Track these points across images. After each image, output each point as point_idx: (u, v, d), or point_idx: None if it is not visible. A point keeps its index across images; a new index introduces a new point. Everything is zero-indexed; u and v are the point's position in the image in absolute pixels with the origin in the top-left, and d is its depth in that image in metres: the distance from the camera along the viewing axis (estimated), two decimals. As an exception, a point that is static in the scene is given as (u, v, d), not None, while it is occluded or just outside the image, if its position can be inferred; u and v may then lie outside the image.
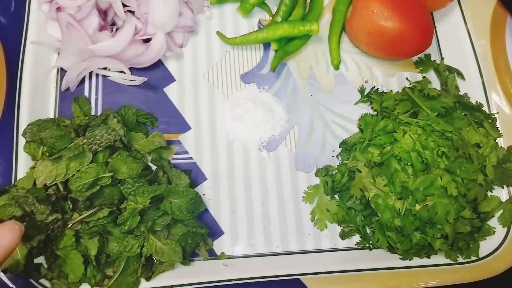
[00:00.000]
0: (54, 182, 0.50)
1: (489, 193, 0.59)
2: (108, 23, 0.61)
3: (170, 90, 0.63)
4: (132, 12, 0.62)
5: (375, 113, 0.63)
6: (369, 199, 0.55)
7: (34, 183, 0.51)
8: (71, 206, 0.51)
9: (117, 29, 0.62)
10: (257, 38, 0.64)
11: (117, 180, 0.53)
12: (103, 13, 0.60)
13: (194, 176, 0.59)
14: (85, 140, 0.53)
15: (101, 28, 0.59)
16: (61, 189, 0.51)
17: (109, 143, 0.54)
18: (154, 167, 0.58)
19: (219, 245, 0.57)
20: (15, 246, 0.35)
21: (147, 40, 0.62)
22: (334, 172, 0.60)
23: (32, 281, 0.51)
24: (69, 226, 0.50)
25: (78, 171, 0.51)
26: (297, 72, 0.66)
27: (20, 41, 0.59)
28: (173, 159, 0.60)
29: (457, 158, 0.55)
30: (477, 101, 0.63)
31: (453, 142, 0.56)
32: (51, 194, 0.51)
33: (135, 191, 0.51)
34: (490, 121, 0.61)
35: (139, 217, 0.51)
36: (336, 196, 0.59)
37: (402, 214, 0.54)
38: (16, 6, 0.60)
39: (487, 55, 0.67)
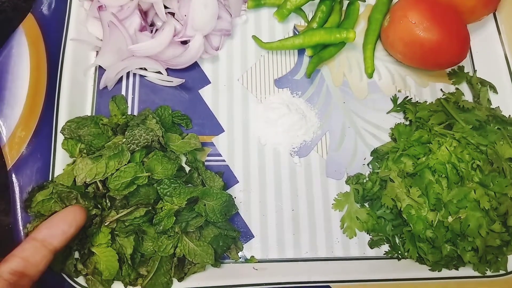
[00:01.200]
0: (94, 180, 0.51)
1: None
2: (148, 24, 0.61)
3: (205, 92, 0.64)
4: (172, 14, 0.62)
5: (408, 123, 0.63)
6: (401, 209, 0.55)
7: (74, 180, 0.52)
8: (108, 204, 0.52)
9: (156, 30, 0.62)
10: (294, 44, 0.64)
11: (153, 180, 0.54)
12: (144, 14, 0.61)
13: (226, 178, 0.60)
14: (124, 140, 0.53)
15: (142, 29, 0.60)
16: (100, 187, 0.52)
17: (146, 143, 0.54)
18: (187, 168, 0.59)
19: (249, 248, 0.57)
20: (78, 230, 0.36)
21: (184, 42, 0.62)
22: (365, 181, 0.60)
23: (65, 276, 0.52)
24: (106, 223, 0.51)
25: (117, 170, 0.51)
26: (330, 78, 0.66)
27: (61, 38, 0.60)
28: (206, 161, 0.60)
29: (490, 172, 0.55)
30: (510, 115, 0.63)
31: (487, 155, 0.56)
32: (90, 191, 0.52)
33: (172, 192, 0.52)
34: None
35: (174, 218, 0.51)
36: (366, 205, 0.60)
37: (435, 225, 0.54)
38: (58, 2, 0.61)
39: (521, 69, 0.67)
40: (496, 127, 0.60)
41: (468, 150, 0.55)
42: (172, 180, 0.53)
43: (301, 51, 0.67)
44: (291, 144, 0.62)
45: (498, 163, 0.55)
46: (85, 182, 0.51)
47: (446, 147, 0.55)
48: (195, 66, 0.64)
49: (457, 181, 0.55)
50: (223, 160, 0.61)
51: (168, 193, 0.52)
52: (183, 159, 0.59)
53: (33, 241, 0.33)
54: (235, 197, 0.59)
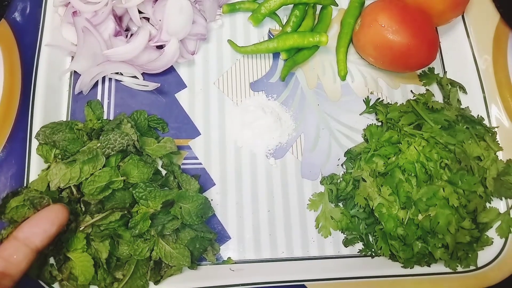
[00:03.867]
0: (68, 185, 0.51)
1: (488, 205, 0.61)
2: (123, 29, 0.62)
3: (181, 96, 0.64)
4: (147, 19, 0.63)
5: (380, 123, 0.65)
6: (373, 208, 0.57)
7: (48, 186, 0.52)
8: (83, 208, 0.52)
9: (131, 35, 0.63)
10: (268, 47, 0.65)
11: (129, 184, 0.54)
12: (119, 19, 0.61)
13: (203, 181, 0.60)
14: (99, 144, 0.54)
15: (117, 34, 0.60)
16: (74, 192, 0.52)
17: (122, 148, 0.55)
18: (164, 172, 0.59)
19: (226, 250, 0.58)
20: (61, 228, 0.36)
21: (160, 46, 0.63)
22: (339, 181, 0.62)
23: (41, 283, 0.52)
24: (81, 228, 0.51)
25: (92, 174, 0.52)
26: (304, 81, 0.68)
27: (36, 44, 0.60)
28: (183, 164, 0.61)
29: (459, 170, 0.57)
30: (478, 115, 0.65)
31: (455, 154, 0.57)
32: (64, 196, 0.52)
33: (147, 196, 0.53)
34: (490, 134, 0.62)
35: (149, 221, 0.52)
36: (340, 204, 0.61)
37: (405, 223, 0.55)
38: (32, 8, 0.61)
39: (489, 70, 0.68)
40: (465, 127, 0.62)
41: (436, 149, 0.57)
42: (147, 184, 0.53)
43: (276, 55, 0.68)
44: (266, 146, 0.63)
45: (466, 162, 0.57)
46: (59, 187, 0.51)
47: (415, 147, 0.57)
48: (171, 70, 0.65)
49: (426, 179, 0.56)
50: (200, 163, 0.61)
51: (143, 197, 0.53)
52: (160, 162, 0.59)
53: (14, 240, 0.33)
54: (211, 200, 0.59)
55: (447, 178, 0.56)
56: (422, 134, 0.58)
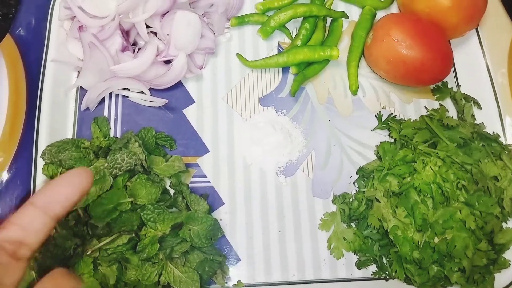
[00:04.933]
0: (74, 208, 0.50)
1: (504, 225, 0.59)
2: (130, 43, 0.60)
3: (190, 112, 0.63)
4: (154, 33, 0.61)
5: (392, 140, 0.63)
6: (388, 230, 0.55)
7: (54, 207, 0.51)
8: (90, 232, 0.50)
9: (138, 49, 0.62)
10: (278, 62, 0.64)
11: (136, 205, 0.53)
12: (126, 33, 0.60)
13: (211, 200, 0.59)
14: (106, 164, 0.52)
15: (124, 49, 0.59)
16: (81, 214, 0.51)
17: (129, 167, 0.53)
18: (172, 190, 0.58)
19: (235, 272, 0.56)
20: (84, 195, 0.32)
21: (167, 61, 0.61)
22: (351, 200, 0.60)
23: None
24: (88, 253, 0.49)
25: (99, 196, 0.50)
26: (315, 96, 0.66)
27: (41, 59, 0.59)
28: (191, 182, 0.59)
29: (476, 191, 0.55)
30: (494, 132, 0.63)
31: (472, 175, 0.56)
32: (70, 219, 0.50)
33: (155, 218, 0.51)
34: (506, 152, 0.61)
35: (158, 245, 0.50)
36: (353, 225, 0.59)
37: (421, 246, 0.54)
38: (37, 22, 0.60)
39: (504, 84, 0.67)
40: (481, 144, 0.60)
41: (453, 169, 0.55)
42: (155, 206, 0.52)
43: (285, 69, 0.67)
44: (277, 163, 0.62)
45: (483, 182, 0.55)
46: (65, 210, 0.50)
47: (431, 167, 0.55)
48: (179, 85, 0.63)
49: (442, 201, 0.55)
50: (208, 181, 0.60)
51: (151, 219, 0.51)
52: (168, 181, 0.58)
53: (32, 207, 0.30)
54: (220, 220, 0.58)
55: (464, 199, 0.55)
56: (438, 153, 0.57)
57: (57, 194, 0.30)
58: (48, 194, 0.30)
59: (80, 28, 0.57)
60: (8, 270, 0.28)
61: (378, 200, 0.57)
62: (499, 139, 0.62)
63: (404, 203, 0.56)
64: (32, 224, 0.29)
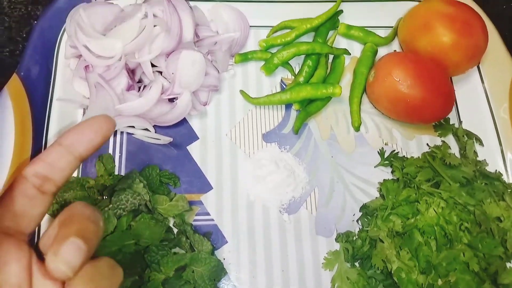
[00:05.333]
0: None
1: (508, 264, 0.59)
2: (135, 82, 0.61)
3: (193, 148, 0.63)
4: (159, 72, 0.62)
5: (395, 177, 0.63)
6: (392, 271, 0.55)
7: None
8: (94, 273, 0.50)
9: (144, 86, 0.62)
10: (281, 99, 0.65)
11: (140, 246, 0.53)
12: (131, 72, 0.61)
13: (215, 238, 0.59)
14: (111, 205, 0.53)
15: (129, 88, 0.59)
16: (86, 256, 0.51)
17: (133, 208, 0.54)
18: (175, 228, 0.58)
19: (239, 312, 0.56)
20: (105, 140, 0.33)
21: (172, 99, 0.62)
22: (354, 238, 0.60)
23: None
24: (92, 294, 0.49)
25: (103, 238, 0.50)
26: (318, 132, 0.67)
27: (47, 98, 0.60)
28: (194, 220, 0.59)
29: (479, 233, 0.55)
30: (496, 170, 0.64)
31: (475, 216, 0.56)
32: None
33: (159, 260, 0.51)
34: (509, 191, 0.61)
35: None
36: (357, 264, 0.59)
37: (425, 289, 0.54)
38: (43, 61, 0.61)
39: (506, 120, 0.67)
40: (483, 183, 0.61)
41: (456, 211, 0.56)
42: (159, 247, 0.52)
43: (288, 104, 0.67)
44: (280, 200, 0.62)
45: (486, 224, 0.55)
46: (70, 253, 0.50)
47: (434, 209, 0.55)
48: (183, 122, 0.64)
49: (445, 243, 0.55)
50: (212, 219, 0.60)
51: (155, 261, 0.51)
52: (171, 219, 0.58)
53: (59, 146, 0.31)
54: (224, 259, 0.58)
55: (467, 241, 0.55)
56: (441, 194, 0.57)
57: (81, 136, 0.32)
58: (73, 135, 0.32)
59: (86, 68, 0.58)
60: (34, 202, 0.30)
61: (381, 241, 0.57)
62: (502, 177, 0.62)
63: (408, 244, 0.56)
64: (58, 161, 0.31)
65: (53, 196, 0.31)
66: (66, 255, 0.26)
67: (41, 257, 0.29)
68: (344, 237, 0.60)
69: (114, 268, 0.30)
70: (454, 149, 0.67)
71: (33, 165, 0.31)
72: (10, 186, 0.30)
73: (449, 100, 0.63)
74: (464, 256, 0.54)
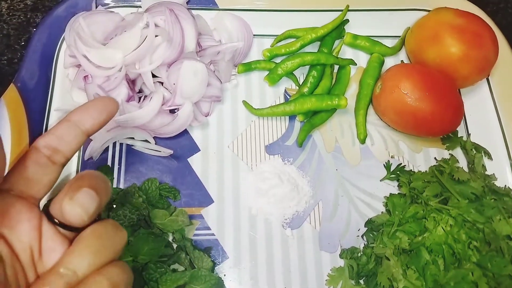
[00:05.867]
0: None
1: (517, 283, 0.57)
2: (135, 92, 0.60)
3: (194, 160, 0.62)
4: (160, 82, 0.61)
5: (402, 192, 0.62)
6: (397, 290, 0.53)
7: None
8: (91, 291, 0.49)
9: (144, 97, 0.61)
10: (285, 111, 0.63)
11: (138, 264, 0.51)
12: (132, 82, 0.59)
13: (215, 254, 0.57)
14: (109, 221, 0.51)
15: (129, 99, 0.58)
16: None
17: (132, 223, 0.52)
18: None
19: (239, 331, 0.55)
20: (110, 117, 0.36)
21: (173, 110, 0.61)
22: (359, 254, 0.58)
23: None
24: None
25: (101, 255, 0.49)
26: (322, 144, 0.65)
27: (45, 108, 0.58)
28: (194, 235, 0.58)
29: (488, 252, 0.53)
30: (505, 185, 0.62)
31: (484, 234, 0.54)
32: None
33: (158, 279, 0.50)
34: (519, 207, 0.59)
35: (160, 306, 0.49)
36: (361, 281, 0.57)
37: (432, 309, 0.52)
38: (42, 71, 0.60)
39: (515, 134, 0.66)
40: (492, 199, 0.59)
41: (464, 229, 0.54)
42: (158, 265, 0.50)
43: (292, 116, 0.66)
44: (283, 215, 0.60)
45: (495, 243, 0.53)
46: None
47: (442, 227, 0.54)
48: (184, 133, 0.62)
49: (454, 262, 0.53)
50: (213, 234, 0.58)
51: (154, 279, 0.50)
52: (171, 234, 0.56)
53: (67, 122, 0.34)
54: (224, 275, 0.56)
55: (476, 260, 0.53)
56: (449, 210, 0.55)
57: (88, 113, 0.35)
58: (80, 112, 0.35)
59: (85, 78, 0.57)
60: (45, 169, 0.32)
61: (387, 258, 0.55)
62: (511, 193, 0.61)
63: (415, 263, 0.54)
64: (66, 134, 0.34)
65: (62, 167, 0.34)
66: (81, 200, 0.29)
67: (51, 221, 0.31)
68: (349, 253, 0.58)
69: (118, 229, 0.32)
70: (462, 162, 0.65)
71: (44, 137, 0.33)
72: (23, 155, 0.33)
73: (458, 113, 0.62)
74: (472, 275, 0.52)
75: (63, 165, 0.34)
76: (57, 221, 0.31)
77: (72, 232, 0.31)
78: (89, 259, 0.29)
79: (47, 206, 0.32)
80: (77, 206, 0.29)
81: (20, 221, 0.30)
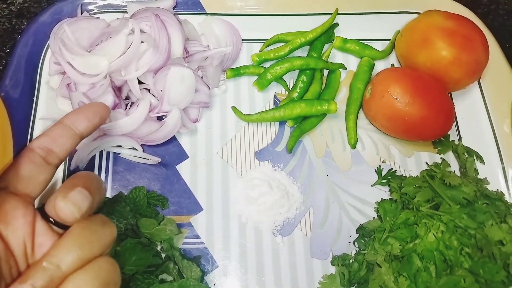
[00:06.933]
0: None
1: (511, 288, 0.57)
2: (122, 99, 0.59)
3: (183, 168, 0.61)
4: (147, 89, 0.60)
5: (393, 197, 0.61)
6: (389, 298, 0.52)
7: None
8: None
9: (131, 104, 0.60)
10: (274, 116, 0.62)
11: (125, 275, 0.50)
12: (118, 89, 0.58)
13: (205, 262, 0.56)
14: (94, 231, 0.50)
15: (115, 106, 0.57)
16: None
17: (120, 232, 0.51)
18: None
19: None
20: (102, 121, 0.39)
21: (160, 117, 0.60)
22: (351, 261, 0.58)
23: None
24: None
25: (86, 267, 0.48)
26: (312, 149, 0.64)
27: (29, 117, 0.57)
28: (183, 243, 0.57)
29: (480, 258, 0.53)
30: (498, 189, 0.61)
31: (476, 240, 0.54)
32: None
33: (145, 290, 0.49)
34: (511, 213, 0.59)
35: (148, 318, 0.48)
36: (353, 289, 0.57)
37: (424, 317, 0.51)
38: (26, 79, 0.59)
39: (507, 136, 0.65)
40: (484, 203, 0.58)
41: (456, 235, 0.53)
42: (145, 276, 0.49)
43: (282, 121, 0.65)
44: (273, 222, 0.59)
45: (487, 249, 0.53)
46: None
47: (434, 234, 0.53)
48: (172, 140, 0.62)
49: (445, 268, 0.52)
50: (202, 243, 0.58)
51: (141, 290, 0.49)
52: (159, 245, 0.56)
53: (61, 124, 0.36)
54: (214, 284, 0.55)
55: (468, 266, 0.52)
56: (441, 216, 0.55)
57: (81, 116, 0.37)
58: (74, 116, 0.37)
59: (68, 86, 0.56)
60: (40, 169, 0.34)
61: (379, 265, 0.54)
62: (504, 197, 0.60)
63: (407, 269, 0.53)
64: (60, 137, 0.35)
65: (56, 167, 0.36)
66: (74, 198, 0.31)
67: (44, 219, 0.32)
68: (340, 260, 0.57)
69: (106, 223, 0.33)
70: (454, 166, 0.65)
71: (38, 139, 0.35)
72: (19, 156, 0.34)
73: (449, 118, 0.61)
74: (465, 282, 0.51)
75: (57, 165, 0.36)
76: (51, 219, 0.32)
77: (65, 230, 0.32)
78: (74, 253, 0.29)
79: (42, 205, 0.33)
80: (70, 204, 0.30)
81: (15, 217, 0.31)
